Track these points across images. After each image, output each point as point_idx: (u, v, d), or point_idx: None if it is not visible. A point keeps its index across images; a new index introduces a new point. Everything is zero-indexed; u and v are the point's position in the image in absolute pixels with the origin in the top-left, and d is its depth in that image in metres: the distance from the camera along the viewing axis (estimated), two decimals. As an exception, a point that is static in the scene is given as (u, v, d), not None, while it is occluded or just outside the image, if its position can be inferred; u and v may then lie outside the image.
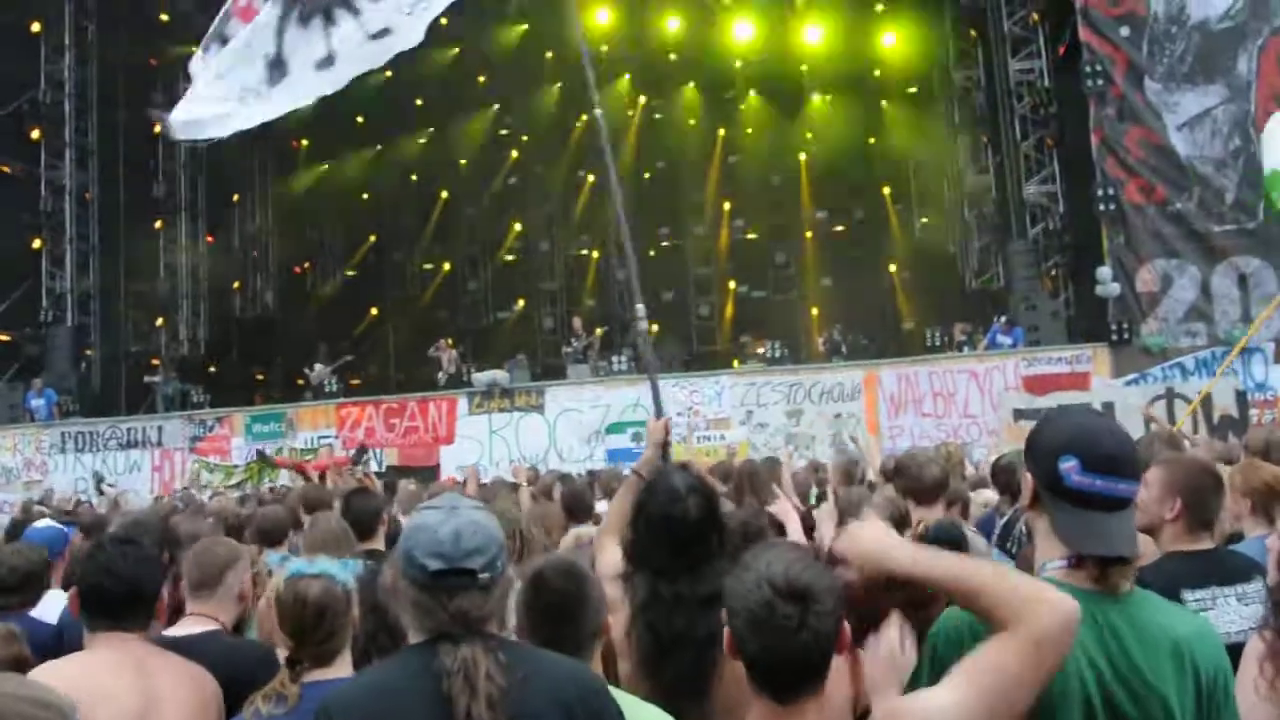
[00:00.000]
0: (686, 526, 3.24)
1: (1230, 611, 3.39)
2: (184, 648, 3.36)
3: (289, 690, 2.89)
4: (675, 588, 3.17)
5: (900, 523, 4.69)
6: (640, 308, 5.31)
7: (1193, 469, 3.76)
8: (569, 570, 2.86)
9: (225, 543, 4.16)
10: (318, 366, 21.73)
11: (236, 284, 28.95)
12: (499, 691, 2.17)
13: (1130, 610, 2.19)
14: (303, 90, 6.87)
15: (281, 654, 3.10)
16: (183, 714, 2.95)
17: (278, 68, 6.79)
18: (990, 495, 6.46)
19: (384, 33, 6.63)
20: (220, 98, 6.90)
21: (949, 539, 3.88)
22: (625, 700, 2.76)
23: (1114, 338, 16.99)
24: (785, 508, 4.87)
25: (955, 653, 2.14)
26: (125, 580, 3.14)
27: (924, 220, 29.80)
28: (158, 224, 25.46)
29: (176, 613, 3.80)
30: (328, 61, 6.73)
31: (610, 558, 3.66)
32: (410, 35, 6.62)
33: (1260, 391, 16.26)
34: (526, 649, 2.42)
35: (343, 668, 3.01)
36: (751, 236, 31.58)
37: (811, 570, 2.10)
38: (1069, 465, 2.20)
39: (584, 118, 30.50)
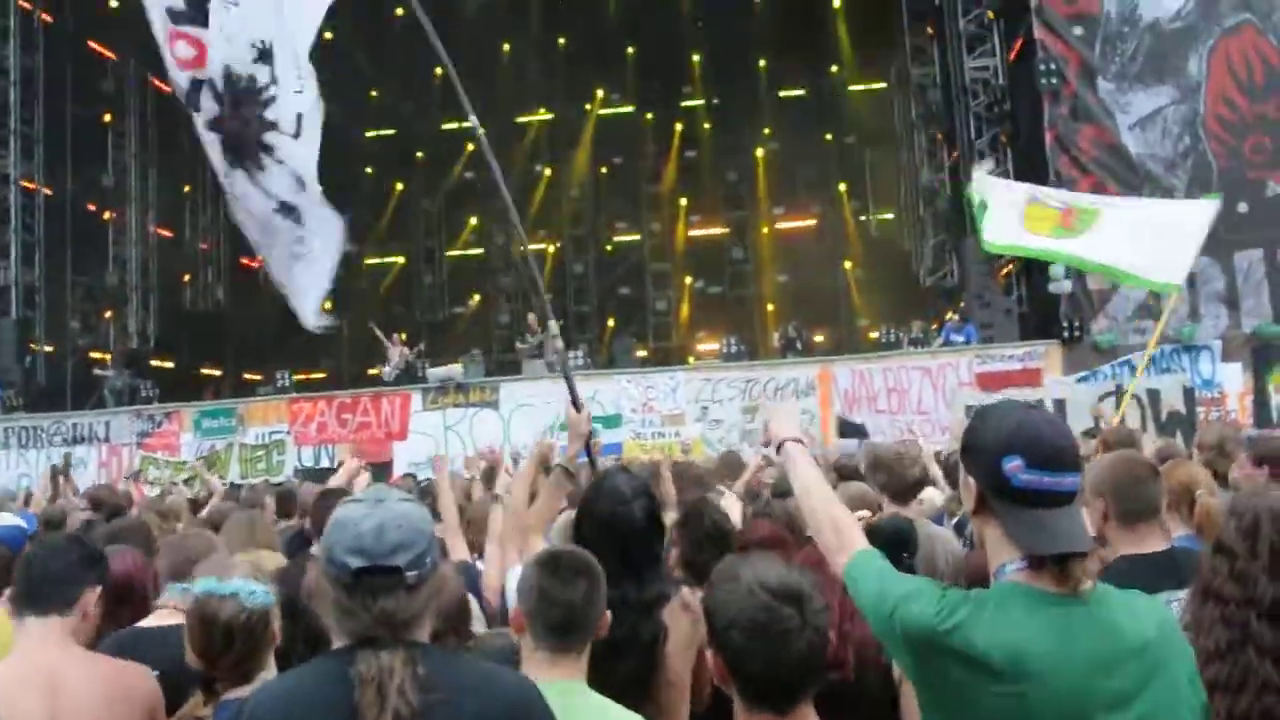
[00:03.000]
0: (633, 529, 3.22)
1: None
2: (152, 639, 3.40)
3: (203, 713, 2.79)
4: (621, 591, 3.14)
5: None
6: (553, 324, 6.15)
7: (1105, 465, 3.66)
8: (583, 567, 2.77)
9: (202, 535, 4.20)
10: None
11: (187, 277, 28.51)
12: (409, 709, 2.02)
13: (1096, 612, 2.11)
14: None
15: None
16: None
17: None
18: (933, 493, 6.37)
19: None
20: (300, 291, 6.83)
21: (896, 533, 3.85)
22: (594, 703, 2.73)
23: (1065, 335, 17.15)
24: (730, 502, 4.95)
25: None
26: (39, 569, 3.14)
27: (879, 217, 29.97)
28: (106, 215, 25.02)
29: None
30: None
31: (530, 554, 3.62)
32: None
33: (1208, 389, 16.44)
34: (456, 660, 2.26)
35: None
36: (708, 232, 31.61)
37: (794, 571, 2.07)
38: (1013, 465, 2.11)
39: (541, 112, 30.44)
